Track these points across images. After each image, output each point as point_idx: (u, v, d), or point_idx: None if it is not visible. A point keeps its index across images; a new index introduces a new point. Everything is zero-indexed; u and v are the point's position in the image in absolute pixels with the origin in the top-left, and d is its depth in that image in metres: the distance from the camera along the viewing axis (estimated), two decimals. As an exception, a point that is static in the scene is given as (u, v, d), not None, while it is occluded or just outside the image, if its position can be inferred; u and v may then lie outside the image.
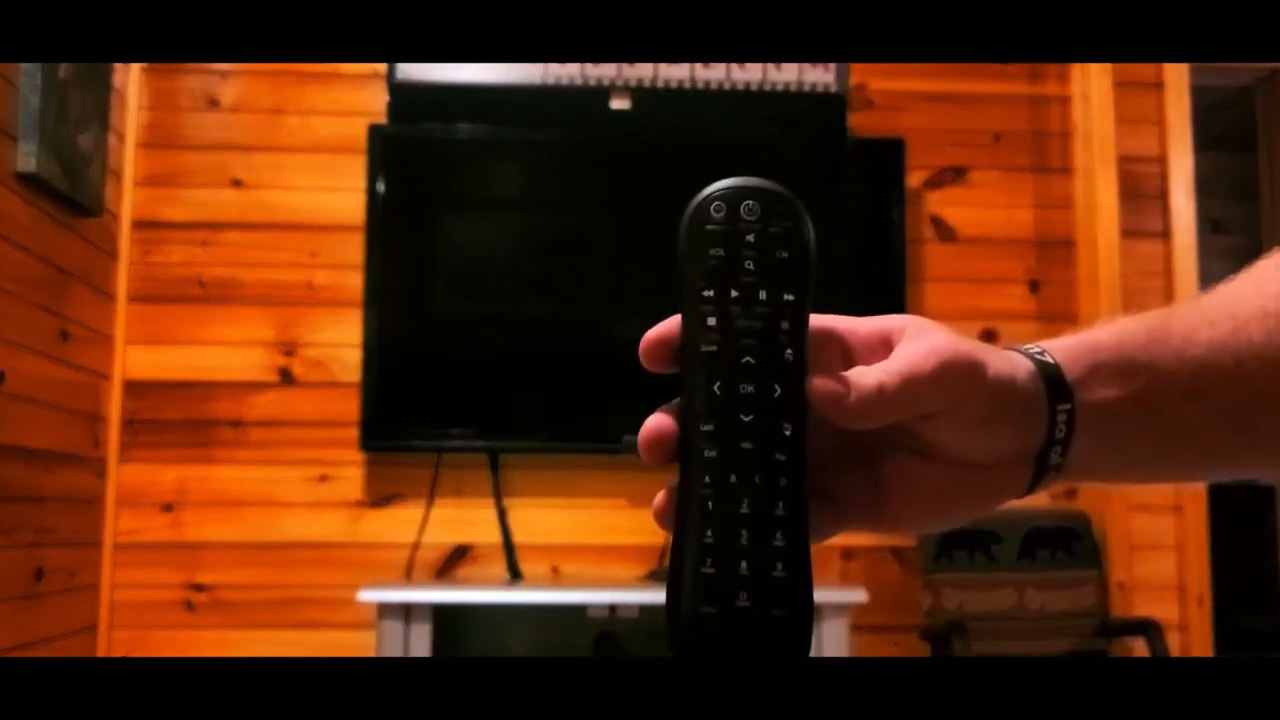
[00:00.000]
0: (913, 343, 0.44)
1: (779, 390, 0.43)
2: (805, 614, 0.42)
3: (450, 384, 2.50)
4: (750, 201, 0.43)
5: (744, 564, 0.42)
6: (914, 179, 2.66)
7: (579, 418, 2.48)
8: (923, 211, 2.67)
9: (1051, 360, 0.46)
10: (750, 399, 0.42)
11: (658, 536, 2.49)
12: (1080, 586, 2.48)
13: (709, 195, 0.43)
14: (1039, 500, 2.55)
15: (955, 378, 0.43)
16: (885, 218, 2.58)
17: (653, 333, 0.44)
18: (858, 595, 2.26)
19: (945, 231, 2.67)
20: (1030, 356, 0.46)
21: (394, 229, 2.50)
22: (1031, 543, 2.49)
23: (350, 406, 2.50)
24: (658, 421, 0.44)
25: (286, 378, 2.53)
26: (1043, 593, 2.46)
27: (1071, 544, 2.51)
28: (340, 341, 2.53)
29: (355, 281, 2.52)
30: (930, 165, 2.68)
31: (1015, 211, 2.68)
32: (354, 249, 2.53)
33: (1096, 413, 0.46)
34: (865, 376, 0.43)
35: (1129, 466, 0.49)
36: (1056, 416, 0.45)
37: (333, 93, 2.60)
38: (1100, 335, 0.47)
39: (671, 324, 0.44)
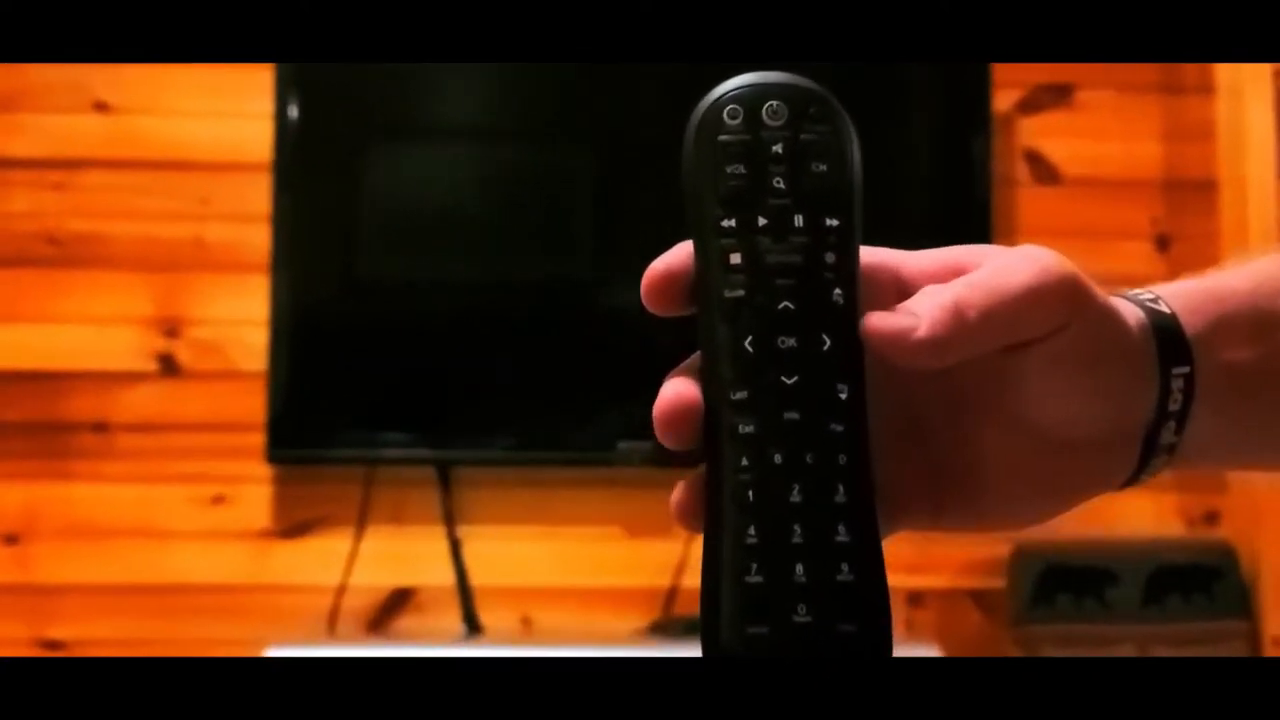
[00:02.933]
0: (996, 258, 0.46)
1: (829, 342, 0.44)
2: (882, 627, 0.43)
3: (386, 373, 2.50)
4: (774, 102, 0.45)
5: (800, 568, 0.43)
6: (1003, 101, 2.62)
7: (557, 418, 2.47)
8: (1014, 144, 2.64)
9: (1167, 310, 0.48)
10: (793, 355, 0.44)
11: (663, 576, 2.47)
12: (1223, 642, 2.45)
13: (720, 97, 0.45)
14: (1168, 526, 2.58)
15: (1055, 291, 0.44)
16: (965, 152, 2.56)
17: (659, 265, 0.45)
18: (929, 651, 2.24)
19: (1045, 170, 2.65)
20: (1140, 304, 0.48)
21: (312, 167, 2.48)
22: (1159, 584, 2.47)
23: (253, 404, 2.46)
24: (679, 389, 0.44)
25: (168, 366, 2.50)
26: (1174, 650, 2.43)
27: (1212, 586, 2.48)
28: (240, 317, 2.50)
29: (260, 238, 2.47)
30: (1024, 83, 2.64)
31: (1137, 144, 2.66)
32: (258, 194, 2.48)
33: (1223, 378, 0.47)
34: (938, 296, 0.44)
35: (1264, 450, 0.50)
36: (1171, 382, 0.46)
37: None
38: (1229, 281, 0.49)
39: (682, 253, 0.45)
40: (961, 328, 0.43)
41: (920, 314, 0.43)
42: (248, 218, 2.50)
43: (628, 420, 2.31)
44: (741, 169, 0.44)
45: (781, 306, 0.44)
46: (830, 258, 0.44)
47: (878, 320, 0.44)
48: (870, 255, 0.47)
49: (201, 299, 2.52)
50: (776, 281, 0.44)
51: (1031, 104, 2.66)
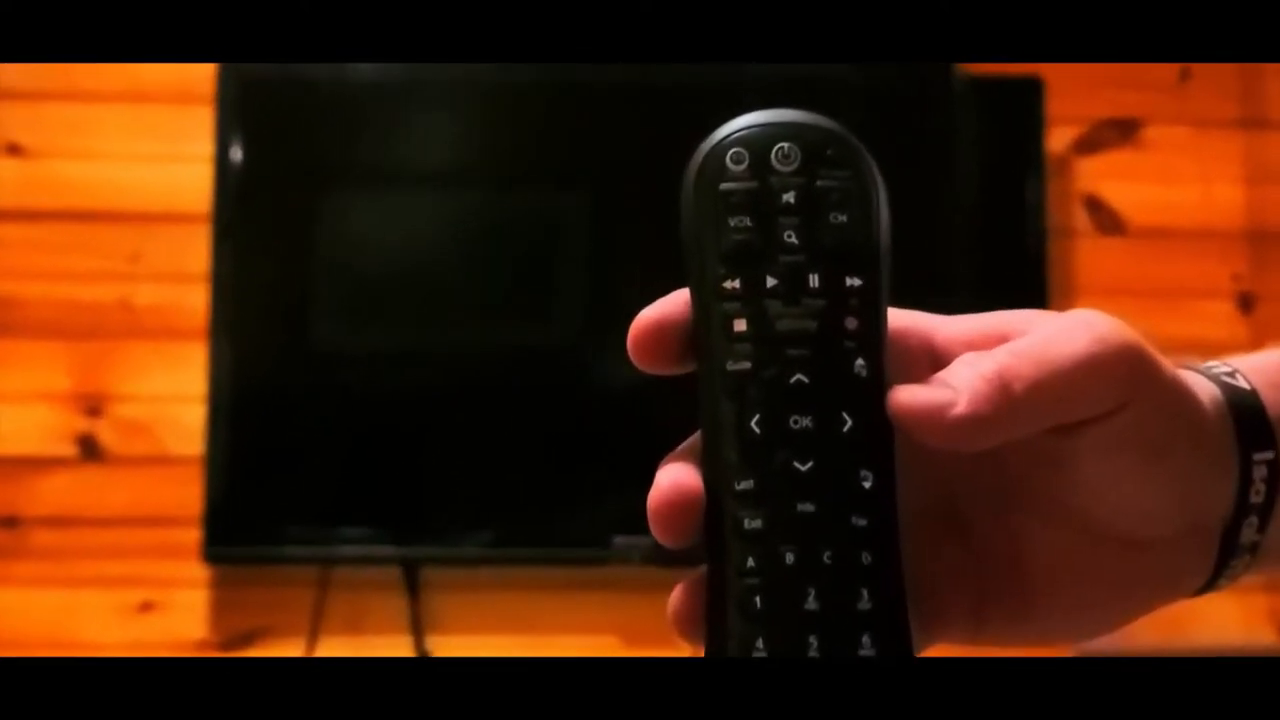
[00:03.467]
0: (1044, 324, 0.45)
1: (849, 421, 0.44)
2: None
3: (344, 458, 2.48)
4: (785, 144, 0.45)
5: None
6: (1059, 138, 2.61)
7: (542, 509, 2.45)
8: (1072, 188, 2.63)
9: (1246, 385, 0.47)
10: (808, 437, 0.44)
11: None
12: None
13: (724, 138, 0.45)
14: (1257, 632, 2.54)
15: (1114, 362, 0.44)
16: (1015, 198, 2.55)
17: (649, 314, 0.45)
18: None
19: (1108, 218, 2.63)
20: (1214, 378, 0.47)
21: (257, 219, 2.46)
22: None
23: (188, 493, 2.43)
24: (676, 477, 0.44)
25: (90, 450, 2.48)
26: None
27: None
28: (173, 393, 2.48)
29: (197, 299, 2.45)
30: (1083, 117, 2.63)
31: (1215, 186, 2.65)
32: (195, 250, 2.46)
33: None
34: (978, 366, 0.43)
35: None
36: (1252, 470, 0.46)
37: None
38: None
39: (677, 301, 0.45)
40: (1007, 403, 0.42)
41: (958, 386, 0.43)
42: (183, 277, 2.49)
43: (624, 512, 2.27)
44: (748, 221, 0.44)
45: (794, 380, 0.44)
46: (851, 323, 0.44)
47: (908, 394, 0.43)
48: (898, 319, 0.47)
49: (129, 372, 2.49)
50: (788, 351, 0.44)
51: (1091, 142, 2.65)
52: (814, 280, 0.44)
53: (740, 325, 0.44)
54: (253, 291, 2.46)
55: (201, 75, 2.48)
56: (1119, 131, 2.66)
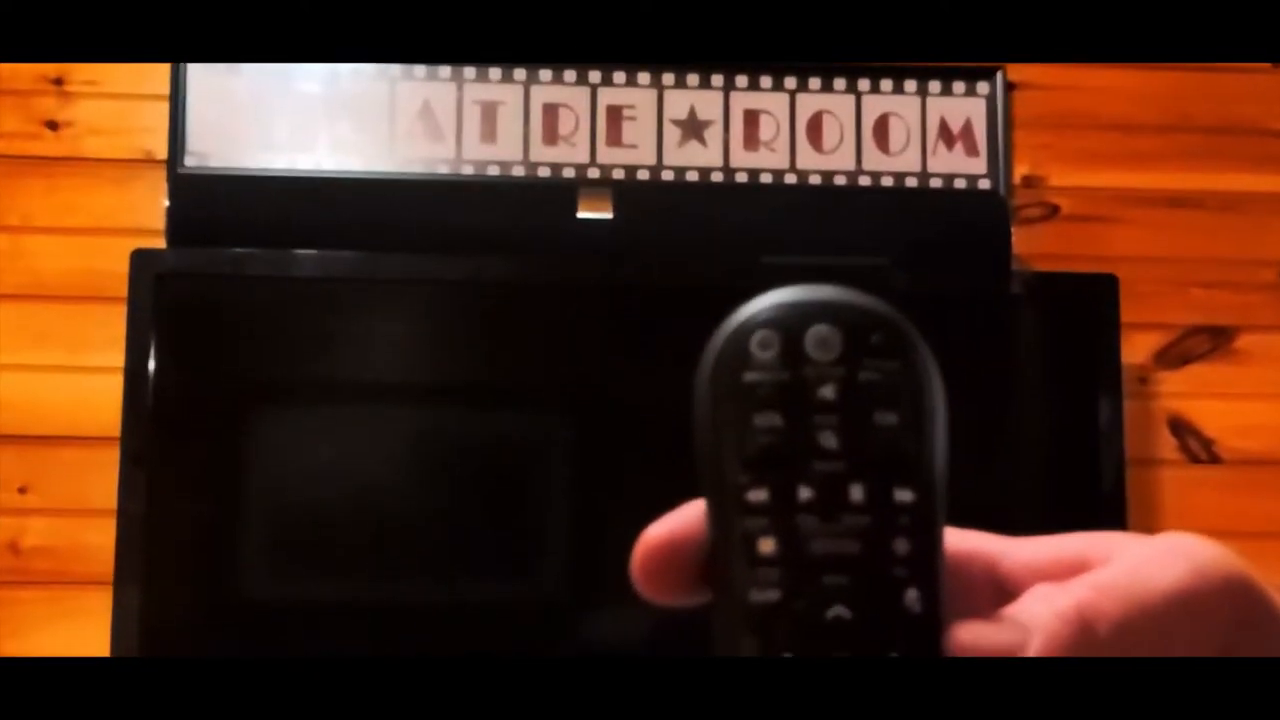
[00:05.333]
0: (1131, 551, 0.47)
1: None
2: None
3: None
4: (823, 327, 0.46)
5: None
6: (1137, 347, 2.59)
7: None
8: (1154, 408, 2.62)
9: None
10: None
11: None
12: None
13: (749, 319, 0.46)
14: None
15: (1216, 598, 0.45)
16: (1086, 419, 2.53)
17: (658, 532, 0.46)
18: None
19: (1198, 444, 2.61)
20: None
21: (176, 444, 2.43)
22: None
23: None
24: None
25: None
26: None
27: None
28: (69, 653, 2.43)
29: (101, 540, 2.39)
30: (1166, 323, 2.63)
31: None
32: (100, 480, 2.41)
33: None
34: (1054, 602, 0.44)
35: None
36: None
37: (61, 189, 2.56)
38: None
39: (691, 515, 0.46)
40: (1088, 646, 0.43)
41: (1030, 625, 0.43)
42: (84, 511, 2.46)
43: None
44: (777, 420, 0.44)
45: (832, 615, 0.44)
46: (901, 546, 0.44)
47: (971, 634, 0.43)
48: (957, 542, 0.47)
49: (14, 627, 2.46)
50: (825, 578, 0.44)
51: (1176, 353, 2.64)
52: (856, 493, 0.44)
53: (767, 546, 0.44)
54: (168, 530, 2.40)
55: (109, 265, 2.47)
56: (1211, 340, 2.65)
